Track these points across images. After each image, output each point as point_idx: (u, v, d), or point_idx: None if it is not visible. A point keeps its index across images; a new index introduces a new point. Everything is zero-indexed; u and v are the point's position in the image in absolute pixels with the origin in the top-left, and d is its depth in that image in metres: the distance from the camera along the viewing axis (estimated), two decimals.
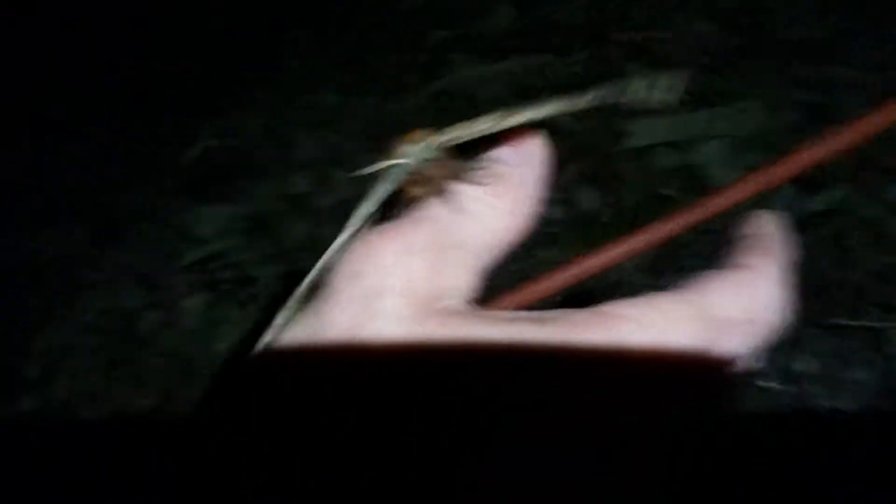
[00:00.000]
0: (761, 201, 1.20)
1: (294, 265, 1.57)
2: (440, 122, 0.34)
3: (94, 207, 1.98)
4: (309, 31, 2.13)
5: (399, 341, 0.28)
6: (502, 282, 1.25)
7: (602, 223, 1.35)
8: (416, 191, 0.35)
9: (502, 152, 0.36)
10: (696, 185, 1.31)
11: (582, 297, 1.14)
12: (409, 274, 0.30)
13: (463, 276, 0.32)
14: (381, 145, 0.34)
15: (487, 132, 0.34)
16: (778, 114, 1.32)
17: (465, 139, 0.35)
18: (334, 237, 0.34)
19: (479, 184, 0.34)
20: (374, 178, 0.35)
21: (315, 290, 0.34)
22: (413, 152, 0.35)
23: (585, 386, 0.27)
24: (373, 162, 0.35)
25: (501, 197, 0.34)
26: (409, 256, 0.31)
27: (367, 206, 0.36)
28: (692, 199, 1.30)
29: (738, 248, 0.34)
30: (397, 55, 1.90)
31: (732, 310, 0.30)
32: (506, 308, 1.22)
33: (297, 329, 0.31)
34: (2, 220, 2.13)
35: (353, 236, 0.36)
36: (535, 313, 0.29)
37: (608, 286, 1.25)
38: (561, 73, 1.59)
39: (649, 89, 0.35)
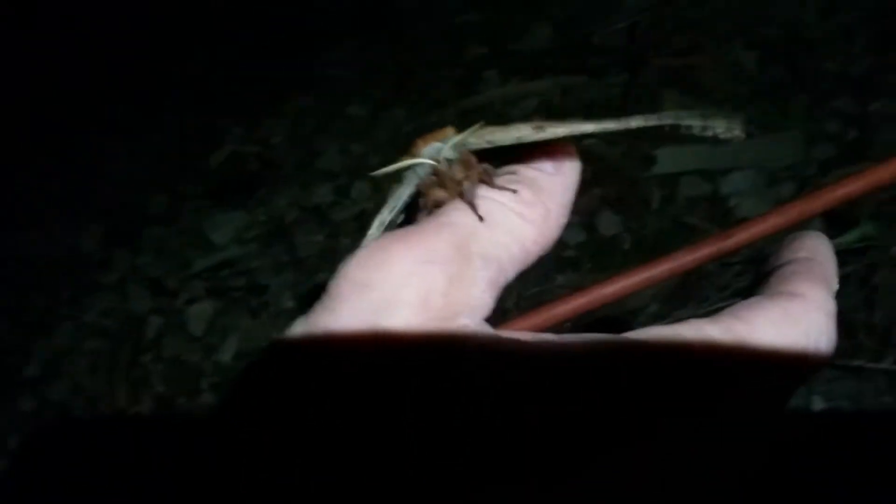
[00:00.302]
0: (788, 235, 1.29)
1: (308, 275, 1.69)
2: (463, 129, 0.35)
3: (110, 207, 2.12)
4: (345, 42, 2.27)
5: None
6: (519, 303, 1.36)
7: (623, 250, 1.44)
8: (438, 193, 0.35)
9: (535, 160, 0.36)
10: (722, 215, 1.40)
11: (595, 325, 1.25)
12: (426, 286, 0.29)
13: (483, 292, 0.31)
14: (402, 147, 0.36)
15: (521, 140, 0.34)
16: (812, 147, 1.40)
17: (497, 144, 0.35)
18: (351, 248, 0.33)
19: (508, 190, 0.34)
20: (395, 178, 0.36)
21: None
22: (437, 152, 0.36)
23: (620, 439, 0.27)
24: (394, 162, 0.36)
25: (531, 206, 0.34)
26: (427, 266, 0.30)
27: (388, 210, 0.37)
28: (717, 230, 1.40)
29: (785, 271, 0.35)
30: (432, 70, 2.03)
31: (781, 343, 0.30)
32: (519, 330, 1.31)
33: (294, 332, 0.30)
34: (14, 215, 2.29)
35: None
36: (565, 338, 0.30)
37: (624, 314, 1.34)
38: (596, 95, 1.70)
39: (703, 129, 0.37)
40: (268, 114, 2.16)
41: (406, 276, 0.29)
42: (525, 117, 1.71)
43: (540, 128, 0.35)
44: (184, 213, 2.02)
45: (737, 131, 0.39)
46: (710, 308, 1.27)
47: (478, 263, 0.31)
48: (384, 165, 0.37)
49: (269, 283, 1.73)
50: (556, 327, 1.32)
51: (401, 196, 0.37)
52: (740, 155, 1.44)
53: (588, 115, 1.68)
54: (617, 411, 0.27)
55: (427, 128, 0.37)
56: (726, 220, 1.38)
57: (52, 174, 2.34)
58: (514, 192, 0.34)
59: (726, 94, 1.53)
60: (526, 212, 0.33)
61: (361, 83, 2.12)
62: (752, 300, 0.33)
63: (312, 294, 0.34)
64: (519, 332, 0.31)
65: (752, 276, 1.29)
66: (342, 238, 1.73)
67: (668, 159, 1.49)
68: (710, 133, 0.38)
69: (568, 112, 1.70)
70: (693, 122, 0.37)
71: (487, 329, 0.31)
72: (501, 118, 1.78)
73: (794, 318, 0.31)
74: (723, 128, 0.38)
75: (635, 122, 0.35)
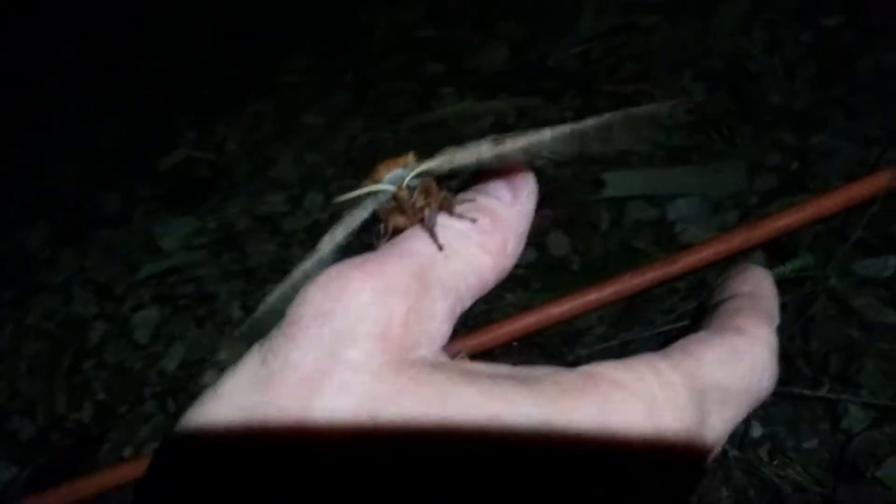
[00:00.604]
0: (731, 262, 1.31)
1: (258, 285, 1.66)
2: (423, 152, 0.34)
3: (58, 207, 2.07)
4: (302, 51, 2.26)
5: (367, 402, 0.27)
6: (467, 321, 1.36)
7: (571, 270, 1.45)
8: (398, 220, 0.35)
9: (493, 186, 0.36)
10: (668, 240, 1.42)
11: (544, 344, 1.24)
12: (386, 317, 0.29)
13: (442, 322, 0.31)
14: (363, 169, 0.35)
15: (482, 158, 0.34)
16: (755, 177, 1.44)
17: (458, 166, 0.35)
18: (301, 266, 0.34)
19: (467, 219, 0.34)
20: (352, 203, 0.36)
21: (271, 317, 0.33)
22: (396, 178, 0.35)
23: (574, 466, 0.27)
24: (352, 185, 0.35)
25: (489, 236, 0.33)
26: (387, 297, 0.29)
27: (340, 232, 0.36)
28: (663, 254, 1.42)
29: (731, 306, 0.34)
30: (389, 83, 2.02)
31: (728, 380, 0.30)
32: (468, 349, 1.31)
33: (248, 371, 0.29)
34: None
35: (321, 264, 0.35)
36: (519, 371, 0.29)
37: (571, 334, 1.35)
38: (550, 117, 1.71)
39: (650, 118, 0.37)
40: (223, 119, 2.13)
41: (366, 307, 0.29)
42: (480, 135, 1.72)
43: (498, 141, 0.34)
44: (134, 216, 1.98)
45: (679, 113, 0.39)
46: (655, 331, 1.29)
47: (436, 293, 0.31)
48: (338, 177, 0.37)
49: (218, 291, 1.70)
50: (505, 345, 1.32)
51: (357, 218, 0.36)
52: (686, 182, 1.47)
53: None
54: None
55: (381, 141, 0.36)
56: (672, 244, 1.41)
57: None
58: (474, 221, 0.34)
59: (674, 122, 1.56)
60: (484, 241, 0.33)
61: (318, 93, 2.11)
62: (700, 335, 0.32)
63: (257, 306, 0.35)
64: (473, 364, 0.30)
65: (697, 301, 1.30)
66: (294, 248, 1.71)
67: (616, 183, 1.51)
68: (658, 120, 0.38)
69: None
70: (640, 113, 0.37)
71: (444, 360, 0.30)
72: (457, 135, 1.79)
73: (740, 354, 0.31)
74: (666, 111, 0.38)
75: (591, 122, 0.35)
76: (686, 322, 1.34)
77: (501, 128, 1.74)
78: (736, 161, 1.47)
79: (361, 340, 0.28)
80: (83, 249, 1.95)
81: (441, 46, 2.08)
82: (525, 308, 1.31)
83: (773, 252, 1.31)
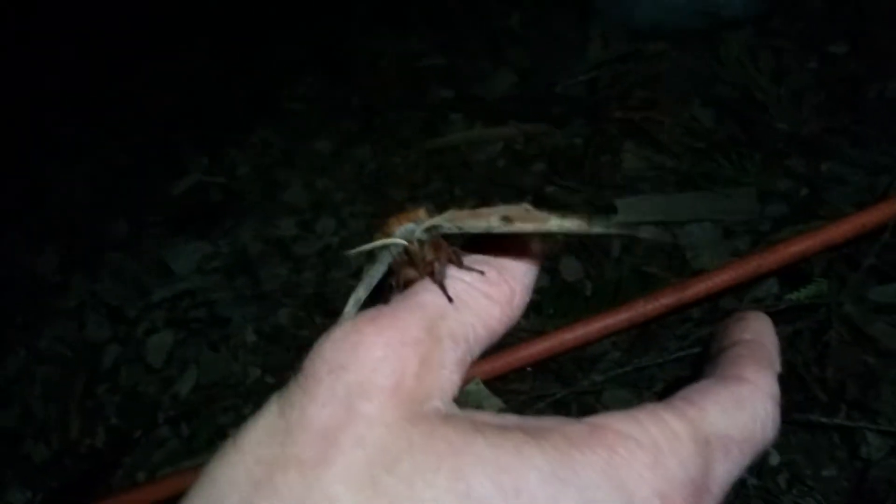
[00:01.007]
0: (744, 288, 1.30)
1: (271, 309, 1.65)
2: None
3: (69, 231, 2.06)
4: (314, 78, 2.26)
5: (381, 456, 0.27)
6: None
7: (584, 296, 1.45)
8: (409, 273, 0.36)
9: (500, 245, 0.37)
10: (680, 265, 1.42)
11: (558, 370, 1.23)
12: (400, 370, 0.30)
13: (452, 373, 0.31)
14: (377, 223, 0.36)
15: (490, 231, 0.35)
16: (765, 203, 1.44)
17: (466, 231, 0.36)
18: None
19: (475, 271, 0.35)
20: (366, 255, 0.37)
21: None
22: (410, 233, 0.36)
23: None
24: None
25: (497, 286, 0.35)
26: (400, 349, 0.30)
27: (363, 291, 0.37)
28: (675, 280, 1.41)
29: (733, 353, 0.35)
30: (398, 110, 2.02)
31: (731, 429, 0.31)
32: (482, 375, 1.30)
33: (266, 422, 0.29)
34: None
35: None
36: (528, 422, 0.30)
37: (586, 360, 1.34)
38: (558, 143, 1.72)
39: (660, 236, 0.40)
40: (233, 144, 2.13)
41: (380, 360, 0.30)
42: (489, 161, 1.72)
43: (508, 220, 0.35)
44: (145, 241, 1.97)
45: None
46: (669, 357, 1.28)
47: (447, 344, 0.32)
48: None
49: (231, 315, 1.69)
50: (519, 370, 1.31)
51: (375, 274, 0.37)
52: (697, 208, 1.47)
53: (551, 163, 1.70)
54: None
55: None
56: (683, 270, 1.40)
57: (8, 192, 2.26)
58: (482, 273, 0.35)
59: (684, 148, 1.56)
60: (492, 292, 0.35)
61: (327, 119, 2.11)
62: (703, 384, 0.33)
63: (275, 329, 0.36)
64: (484, 414, 0.30)
65: (711, 328, 1.29)
66: (306, 273, 1.71)
67: (628, 209, 1.50)
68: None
69: (530, 158, 1.71)
70: (647, 235, 0.40)
71: (455, 411, 0.31)
72: (465, 161, 1.79)
73: (742, 403, 0.32)
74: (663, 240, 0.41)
75: (597, 228, 0.36)
76: (700, 349, 1.33)
77: (511, 153, 1.74)
78: (746, 187, 1.47)
79: (376, 393, 0.29)
80: (94, 273, 1.94)
81: (449, 73, 2.09)
82: (539, 333, 1.31)
83: (787, 278, 1.30)
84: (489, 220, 0.35)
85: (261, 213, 1.90)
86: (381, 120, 2.02)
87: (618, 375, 1.30)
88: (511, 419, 0.30)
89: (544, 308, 1.44)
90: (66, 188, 2.22)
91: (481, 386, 1.35)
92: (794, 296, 1.24)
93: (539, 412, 1.28)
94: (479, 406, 1.37)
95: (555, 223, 0.35)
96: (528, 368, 1.34)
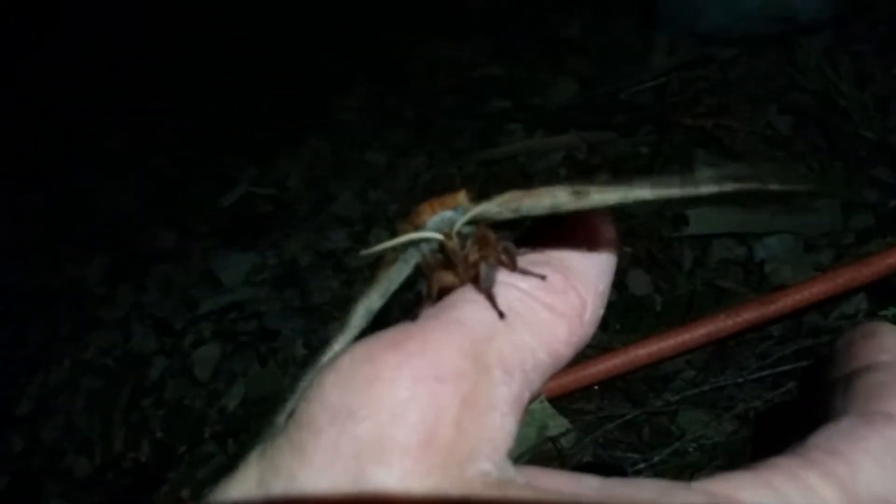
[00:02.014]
0: (831, 304, 1.22)
1: (321, 323, 1.61)
2: (489, 191, 0.28)
3: (116, 241, 2.06)
4: (367, 88, 2.24)
5: None
6: None
7: (654, 311, 1.38)
8: (445, 277, 0.28)
9: (566, 238, 0.28)
10: (758, 280, 1.35)
11: (627, 389, 1.16)
12: (432, 418, 0.22)
13: (505, 416, 0.23)
14: (403, 209, 0.29)
15: (556, 210, 0.27)
16: (849, 215, 1.36)
17: (524, 214, 0.27)
18: (331, 342, 0.27)
19: (534, 276, 0.26)
20: (388, 256, 0.29)
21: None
22: (444, 223, 0.28)
23: None
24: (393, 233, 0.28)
25: (562, 296, 0.27)
26: (433, 387, 0.22)
27: (376, 299, 0.29)
28: (752, 295, 1.34)
29: (871, 381, 0.27)
30: (452, 120, 1.99)
31: (889, 489, 0.23)
32: (545, 392, 1.24)
33: (241, 496, 0.22)
34: (15, 243, 2.22)
35: (348, 343, 0.28)
36: (617, 490, 0.22)
37: (658, 379, 1.28)
38: (623, 151, 1.66)
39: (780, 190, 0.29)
40: (283, 156, 2.11)
41: (404, 403, 0.22)
42: (550, 170, 1.67)
43: (581, 193, 0.26)
44: (193, 252, 1.95)
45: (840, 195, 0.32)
46: (749, 377, 1.21)
47: (497, 376, 0.24)
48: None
49: (280, 328, 1.65)
50: (585, 389, 1.22)
51: (396, 277, 0.29)
52: (775, 220, 1.40)
53: (616, 173, 1.65)
54: None
55: (446, 178, 0.28)
56: (762, 285, 1.33)
57: (57, 203, 2.28)
58: (543, 278, 0.26)
59: (760, 157, 1.49)
60: (557, 303, 0.26)
61: (379, 129, 2.08)
62: (844, 426, 0.25)
63: (325, 343, 0.28)
64: (552, 475, 0.23)
65: (795, 346, 1.20)
66: (357, 285, 1.67)
67: (700, 220, 1.44)
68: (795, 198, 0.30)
69: (594, 168, 1.65)
70: (778, 189, 0.28)
71: (514, 476, 0.22)
72: (524, 171, 1.74)
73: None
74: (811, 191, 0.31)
75: (706, 187, 0.27)
76: (784, 367, 1.23)
77: (573, 163, 1.69)
78: (828, 199, 1.39)
79: (398, 454, 0.21)
80: (141, 285, 1.93)
81: (506, 83, 2.05)
82: (604, 350, 1.25)
83: (878, 294, 1.23)
84: (554, 195, 0.26)
85: (311, 224, 1.87)
86: (436, 130, 1.99)
87: (693, 395, 1.23)
88: (590, 484, 0.22)
89: (611, 324, 1.38)
90: (114, 199, 2.23)
91: (546, 404, 1.29)
92: (890, 311, 1.16)
93: (608, 433, 1.22)
94: (543, 426, 1.30)
95: (645, 188, 0.26)
96: (595, 387, 1.28)
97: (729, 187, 0.28)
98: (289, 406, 0.26)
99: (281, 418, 0.26)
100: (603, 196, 0.26)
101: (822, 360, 0.31)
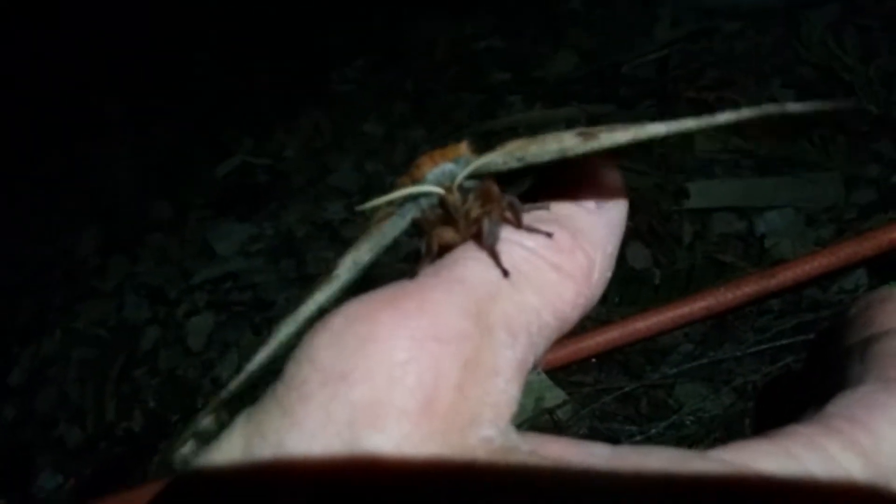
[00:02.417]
0: (831, 279, 1.21)
1: None
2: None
3: (109, 211, 2.04)
4: (366, 60, 2.22)
5: None
6: None
7: (653, 284, 1.37)
8: (446, 234, 0.26)
9: (571, 195, 0.27)
10: (758, 254, 1.34)
11: (625, 361, 1.16)
12: (432, 381, 0.21)
13: (509, 381, 0.22)
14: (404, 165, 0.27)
15: (564, 154, 0.26)
16: (851, 189, 1.35)
17: (530, 162, 0.26)
18: (314, 290, 0.27)
19: (540, 233, 0.25)
20: (385, 211, 0.27)
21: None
22: (444, 176, 0.27)
23: None
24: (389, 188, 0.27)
25: (570, 255, 0.25)
26: (433, 348, 0.21)
27: (366, 251, 0.27)
28: (752, 269, 1.33)
29: (888, 348, 0.26)
30: (452, 92, 1.97)
31: None
32: (543, 364, 1.23)
33: (226, 462, 0.21)
34: (6, 213, 2.20)
35: (340, 298, 0.26)
36: (627, 460, 0.20)
37: (655, 352, 1.27)
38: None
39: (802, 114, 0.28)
40: (280, 127, 2.09)
41: (402, 365, 0.20)
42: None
43: (589, 135, 0.25)
44: (187, 222, 1.93)
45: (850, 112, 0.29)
46: (748, 350, 1.20)
47: (501, 338, 0.22)
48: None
49: (276, 299, 1.64)
50: (583, 361, 1.21)
51: (390, 232, 0.27)
52: (776, 193, 1.39)
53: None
54: None
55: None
56: (762, 259, 1.32)
57: (49, 173, 2.26)
58: (550, 235, 0.25)
59: (762, 131, 1.48)
60: (564, 262, 0.25)
61: (378, 101, 2.06)
62: (865, 393, 0.24)
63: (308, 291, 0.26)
64: (558, 443, 0.21)
65: (794, 320, 1.19)
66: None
67: (701, 193, 1.43)
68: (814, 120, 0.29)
69: None
70: (800, 111, 0.27)
71: (518, 443, 0.21)
72: None
73: None
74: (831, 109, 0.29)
75: (724, 117, 0.26)
76: (783, 341, 1.23)
77: None
78: (831, 173, 1.38)
79: (394, 420, 0.20)
80: (135, 255, 1.91)
81: (506, 56, 2.03)
82: (603, 322, 1.24)
83: (879, 269, 1.22)
84: (561, 139, 0.25)
85: (308, 195, 1.86)
86: (435, 103, 1.97)
87: (691, 369, 1.22)
88: (599, 452, 0.21)
89: (609, 297, 1.37)
90: (109, 168, 2.21)
91: (543, 376, 1.28)
92: (891, 287, 1.15)
93: (605, 406, 1.21)
94: (540, 398, 1.29)
95: (659, 125, 0.25)
96: (593, 360, 1.27)
97: (747, 114, 0.27)
98: (257, 359, 0.26)
99: (241, 375, 0.26)
100: (612, 136, 0.26)
101: (835, 327, 0.30)
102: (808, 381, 0.31)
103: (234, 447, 0.21)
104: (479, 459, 0.19)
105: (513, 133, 1.75)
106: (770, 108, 0.27)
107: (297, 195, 1.86)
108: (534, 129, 1.73)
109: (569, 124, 1.68)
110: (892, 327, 0.27)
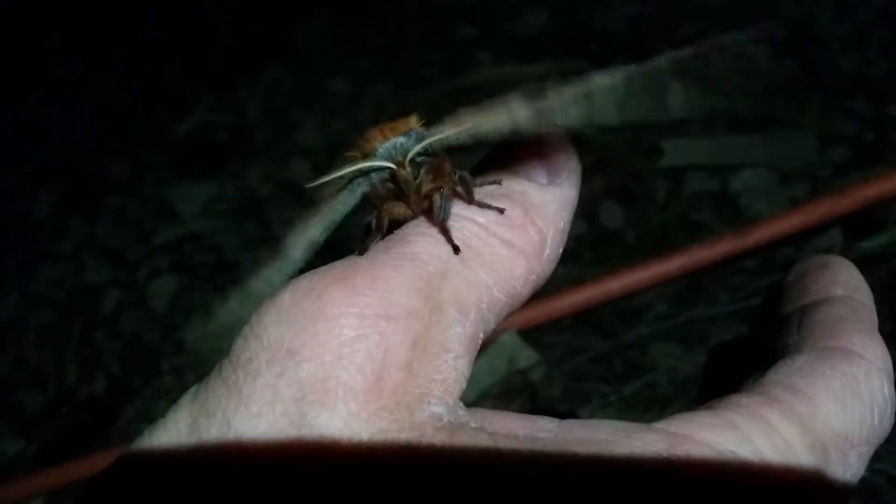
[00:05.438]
0: (805, 238, 1.19)
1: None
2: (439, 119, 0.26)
3: (67, 171, 1.96)
4: (329, 14, 2.14)
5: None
6: None
7: (626, 244, 1.35)
8: (395, 209, 0.26)
9: (523, 166, 0.26)
10: (732, 213, 1.31)
11: (598, 322, 1.12)
12: (380, 358, 0.20)
13: (459, 358, 0.22)
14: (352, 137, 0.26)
15: (516, 128, 0.25)
16: (826, 148, 1.33)
17: (483, 138, 0.26)
18: (261, 266, 0.25)
19: (492, 208, 0.25)
20: (335, 185, 0.27)
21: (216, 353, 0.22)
22: (400, 151, 0.26)
23: None
24: (338, 161, 0.26)
25: (521, 230, 0.25)
26: (382, 325, 0.21)
27: (317, 228, 0.27)
28: (726, 228, 1.31)
29: (828, 316, 0.27)
30: (420, 48, 1.91)
31: (848, 427, 0.23)
32: (514, 326, 1.20)
33: (171, 441, 0.20)
34: None
35: (289, 274, 0.26)
36: (575, 434, 0.20)
37: (629, 312, 1.24)
38: None
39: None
40: (242, 83, 2.01)
41: (350, 342, 0.20)
42: None
43: (536, 98, 0.26)
44: (147, 182, 1.86)
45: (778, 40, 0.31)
46: (721, 310, 1.18)
47: (451, 315, 0.22)
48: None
49: (239, 259, 1.59)
50: (555, 322, 1.17)
51: (341, 209, 0.26)
52: (751, 152, 1.36)
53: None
54: None
55: (412, 107, 0.27)
56: (736, 218, 1.30)
57: (5, 132, 2.15)
58: (501, 211, 0.24)
59: (737, 88, 1.45)
60: (515, 238, 0.25)
61: (343, 58, 2.00)
62: (802, 362, 0.25)
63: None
64: (507, 418, 0.21)
65: (768, 279, 1.16)
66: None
67: (674, 152, 1.40)
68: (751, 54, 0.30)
69: None
70: (731, 42, 0.29)
71: (466, 419, 0.20)
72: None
73: (857, 386, 0.24)
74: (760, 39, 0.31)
75: (664, 61, 0.27)
76: (757, 301, 1.20)
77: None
78: (806, 131, 1.36)
79: (343, 397, 0.19)
80: (93, 216, 1.84)
81: (474, 10, 1.97)
82: (576, 282, 1.21)
83: (853, 226, 1.20)
84: (509, 107, 0.25)
85: (271, 154, 1.80)
86: (401, 59, 1.91)
87: (665, 328, 1.20)
88: (547, 427, 0.20)
89: (582, 256, 1.34)
90: (65, 127, 2.11)
91: (516, 336, 1.25)
92: (866, 244, 1.13)
93: (579, 366, 1.19)
94: (513, 359, 1.26)
95: (605, 78, 0.26)
96: (566, 321, 1.24)
97: (688, 52, 0.28)
98: (200, 331, 0.25)
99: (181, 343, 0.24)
100: (560, 95, 0.26)
101: (774, 293, 0.30)
102: (756, 346, 0.31)
103: (180, 426, 0.20)
104: (426, 436, 0.19)
105: (482, 90, 1.69)
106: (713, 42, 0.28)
107: (259, 154, 1.80)
108: (504, 87, 1.68)
109: (537, 84, 1.63)
110: (827, 295, 0.28)
